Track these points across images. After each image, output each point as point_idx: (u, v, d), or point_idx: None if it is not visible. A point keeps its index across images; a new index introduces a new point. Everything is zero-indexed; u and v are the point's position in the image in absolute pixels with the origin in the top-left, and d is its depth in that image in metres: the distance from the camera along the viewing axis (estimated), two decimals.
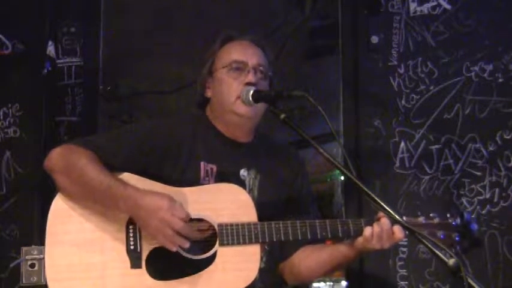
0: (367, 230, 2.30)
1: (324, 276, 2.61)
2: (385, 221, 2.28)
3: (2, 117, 3.87)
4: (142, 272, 2.29)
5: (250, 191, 2.47)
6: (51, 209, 2.36)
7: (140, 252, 2.30)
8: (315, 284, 4.79)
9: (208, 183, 2.42)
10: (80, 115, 3.89)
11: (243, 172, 2.49)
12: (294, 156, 2.68)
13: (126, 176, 2.36)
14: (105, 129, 4.05)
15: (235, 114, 2.44)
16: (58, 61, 3.92)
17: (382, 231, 2.28)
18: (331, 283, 4.78)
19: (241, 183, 2.45)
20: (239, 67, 2.47)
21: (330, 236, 2.35)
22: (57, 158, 2.36)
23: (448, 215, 2.38)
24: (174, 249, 2.25)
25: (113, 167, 2.36)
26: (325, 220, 2.37)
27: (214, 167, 2.44)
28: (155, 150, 2.41)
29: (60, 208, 2.35)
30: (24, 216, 3.65)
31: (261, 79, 2.48)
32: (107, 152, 2.37)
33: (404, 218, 2.33)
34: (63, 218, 2.34)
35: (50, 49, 3.89)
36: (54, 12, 3.94)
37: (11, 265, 3.39)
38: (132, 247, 2.31)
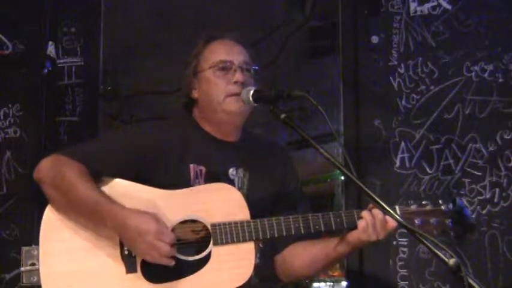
0: (361, 222, 2.29)
1: (318, 272, 2.60)
2: (376, 211, 2.28)
3: (2, 117, 3.87)
4: (138, 276, 2.29)
5: (239, 190, 2.46)
6: (44, 218, 2.36)
7: (135, 257, 2.30)
8: (315, 284, 4.79)
9: (199, 185, 2.42)
10: (80, 115, 3.90)
11: (231, 171, 2.50)
12: (281, 153, 2.69)
13: (117, 183, 2.37)
14: (105, 129, 4.06)
15: (225, 112, 2.45)
16: (58, 61, 3.92)
17: (375, 220, 2.28)
18: (331, 283, 4.78)
19: (230, 182, 2.45)
20: (225, 66, 2.47)
21: (323, 229, 2.35)
22: (46, 169, 2.36)
23: (441, 201, 2.38)
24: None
25: (103, 175, 2.37)
26: (317, 213, 2.37)
27: (204, 169, 2.45)
28: (145, 156, 2.41)
29: (52, 217, 2.36)
30: (24, 216, 3.66)
31: (248, 77, 2.49)
32: (96, 161, 2.37)
33: (397, 207, 2.34)
34: (56, 226, 2.35)
35: (50, 49, 3.89)
36: (54, 12, 3.94)
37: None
38: (126, 252, 2.30)
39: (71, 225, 2.34)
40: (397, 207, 2.34)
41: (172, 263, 2.26)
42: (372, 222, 2.28)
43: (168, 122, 2.59)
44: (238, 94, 2.44)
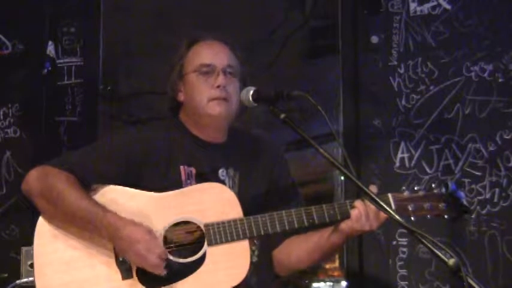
0: (354, 211, 2.29)
1: (315, 264, 2.60)
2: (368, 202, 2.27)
3: (2, 117, 3.87)
4: (134, 281, 2.29)
5: (230, 190, 2.46)
6: (36, 229, 2.35)
7: (129, 263, 2.30)
8: (314, 284, 4.78)
9: (191, 185, 2.41)
10: (80, 115, 3.90)
11: (221, 172, 2.48)
12: (270, 146, 2.66)
13: (108, 188, 2.36)
14: (105, 129, 4.05)
15: (209, 116, 2.44)
16: (58, 61, 3.93)
17: (367, 209, 2.28)
18: (331, 283, 4.77)
19: (221, 183, 2.45)
20: (208, 70, 2.46)
21: (317, 221, 2.34)
22: (34, 181, 2.36)
23: (433, 185, 2.37)
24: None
25: (93, 183, 2.36)
26: (311, 207, 2.36)
27: (194, 170, 2.44)
28: (134, 162, 2.40)
29: (45, 228, 2.35)
30: (24, 216, 3.65)
31: (231, 79, 2.48)
32: (85, 170, 2.36)
33: (390, 195, 2.33)
34: (49, 237, 2.34)
35: (50, 49, 3.89)
36: (54, 12, 3.94)
37: None
38: (121, 259, 2.30)
39: (65, 235, 2.34)
40: (389, 195, 2.33)
41: (163, 272, 2.25)
42: (365, 212, 2.28)
43: (155, 125, 2.59)
44: (220, 98, 2.43)
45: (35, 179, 2.36)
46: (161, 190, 2.36)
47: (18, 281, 3.23)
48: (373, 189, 2.20)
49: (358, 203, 2.31)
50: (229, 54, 2.51)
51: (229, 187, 2.46)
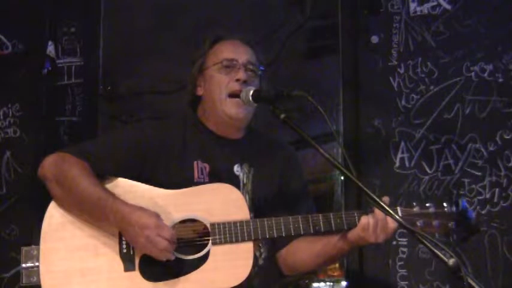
0: (364, 218, 2.29)
1: (319, 267, 2.62)
2: (379, 213, 2.27)
3: (2, 117, 3.87)
4: (136, 274, 2.32)
5: (244, 186, 2.49)
6: (46, 216, 2.39)
7: (133, 255, 2.33)
8: (315, 284, 4.78)
9: (203, 182, 2.44)
10: (80, 115, 3.90)
11: (236, 168, 2.52)
12: (284, 149, 2.70)
13: (119, 182, 2.40)
14: (105, 129, 4.05)
15: (225, 114, 2.48)
16: (58, 61, 3.93)
17: (376, 222, 2.28)
18: (331, 283, 4.77)
19: (235, 178, 2.48)
20: (229, 65, 2.51)
21: (323, 229, 2.36)
22: (50, 166, 2.41)
23: (445, 204, 2.37)
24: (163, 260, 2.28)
25: (106, 172, 2.40)
26: (318, 214, 2.37)
27: (208, 166, 2.47)
28: (148, 154, 2.44)
29: (54, 215, 2.39)
30: (24, 216, 3.66)
31: (252, 77, 2.51)
32: (99, 159, 2.41)
33: (399, 208, 2.34)
34: (58, 224, 2.38)
35: (50, 49, 3.89)
36: (54, 12, 3.94)
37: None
38: (125, 250, 2.33)
39: (73, 223, 2.37)
40: (398, 208, 2.34)
41: (171, 257, 2.27)
42: (373, 223, 2.28)
43: (169, 121, 2.61)
44: (239, 93, 2.45)
45: (51, 164, 2.41)
46: (173, 185, 2.39)
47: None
48: (386, 200, 2.20)
49: (365, 217, 2.30)
50: (251, 53, 2.57)
51: (243, 183, 2.49)
